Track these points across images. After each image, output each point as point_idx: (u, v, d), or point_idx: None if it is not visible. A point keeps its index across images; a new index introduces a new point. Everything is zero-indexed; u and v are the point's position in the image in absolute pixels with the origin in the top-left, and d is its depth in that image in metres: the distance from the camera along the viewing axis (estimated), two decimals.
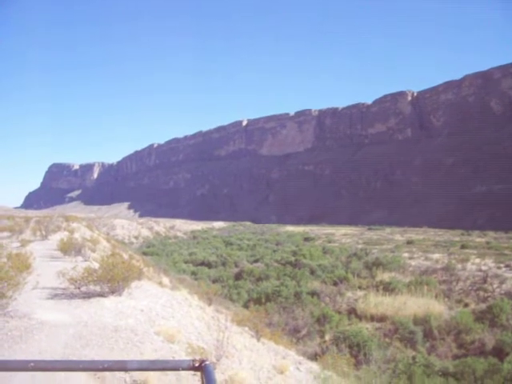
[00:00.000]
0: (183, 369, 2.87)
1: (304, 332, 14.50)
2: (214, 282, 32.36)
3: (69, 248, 23.47)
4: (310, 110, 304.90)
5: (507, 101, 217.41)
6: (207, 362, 2.77)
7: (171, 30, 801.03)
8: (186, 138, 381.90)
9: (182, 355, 8.70)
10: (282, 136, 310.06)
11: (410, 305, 17.91)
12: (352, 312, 18.05)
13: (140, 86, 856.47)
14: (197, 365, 2.76)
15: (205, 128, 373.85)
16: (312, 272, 31.34)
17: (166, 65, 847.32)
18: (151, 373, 7.26)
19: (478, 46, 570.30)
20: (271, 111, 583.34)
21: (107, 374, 7.26)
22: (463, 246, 64.92)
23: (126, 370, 3.43)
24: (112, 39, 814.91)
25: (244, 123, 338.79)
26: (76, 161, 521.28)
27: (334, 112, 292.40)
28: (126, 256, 21.40)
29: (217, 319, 12.19)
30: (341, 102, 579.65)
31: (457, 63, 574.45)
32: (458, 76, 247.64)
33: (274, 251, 61.57)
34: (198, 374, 2.80)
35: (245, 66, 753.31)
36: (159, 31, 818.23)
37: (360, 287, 23.88)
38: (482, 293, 23.41)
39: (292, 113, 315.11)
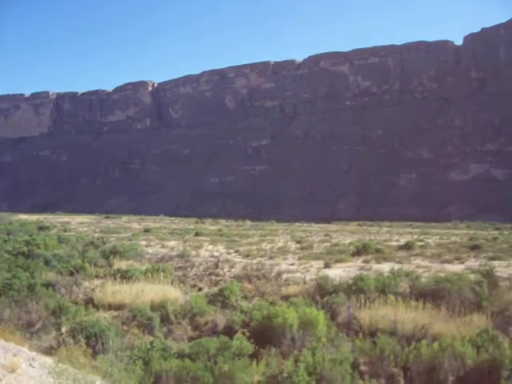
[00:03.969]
0: None
1: (39, 326, 13.79)
2: None
3: None
4: (47, 92, 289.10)
5: (240, 98, 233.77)
6: None
7: None
8: None
9: None
10: (15, 118, 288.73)
11: (148, 292, 18.19)
12: (89, 302, 17.69)
13: None
14: None
15: None
16: (47, 262, 29.90)
17: None
18: None
19: (215, 46, 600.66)
20: (4, 90, 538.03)
21: None
22: (197, 234, 67.98)
23: None
24: None
25: None
26: None
27: (73, 96, 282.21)
28: None
29: None
30: (81, 87, 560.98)
31: (196, 59, 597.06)
32: (197, 71, 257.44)
33: (5, 241, 57.22)
34: None
35: None
36: None
37: (97, 276, 23.52)
38: (214, 277, 24.81)
39: (27, 94, 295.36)
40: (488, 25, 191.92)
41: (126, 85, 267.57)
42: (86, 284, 21.32)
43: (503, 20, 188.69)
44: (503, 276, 23.55)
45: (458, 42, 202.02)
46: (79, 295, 18.92)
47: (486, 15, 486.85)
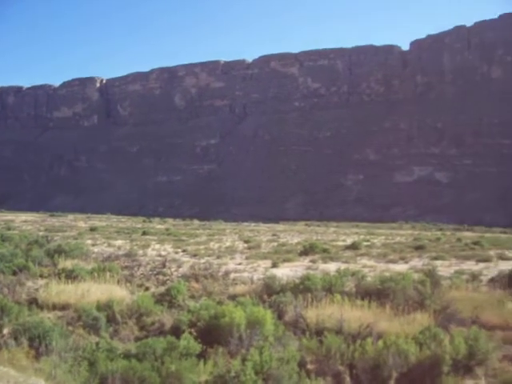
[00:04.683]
0: None
1: None
2: None
3: None
4: None
5: (189, 97, 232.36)
6: None
7: None
8: None
9: None
10: None
11: (94, 291, 17.87)
12: (33, 302, 17.26)
13: None
14: None
15: None
16: None
17: None
18: None
19: (165, 44, 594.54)
20: None
21: None
22: (145, 233, 67.36)
23: None
24: None
25: None
26: None
27: (18, 91, 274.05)
28: None
29: None
30: (26, 81, 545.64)
31: (147, 57, 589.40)
32: (147, 69, 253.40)
33: None
34: None
35: None
36: None
37: (42, 276, 22.97)
38: (161, 276, 24.56)
39: None
40: (433, 32, 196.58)
41: (74, 80, 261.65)
42: (30, 284, 20.81)
43: (448, 27, 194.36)
44: (445, 275, 24.25)
45: (405, 47, 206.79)
46: (22, 295, 18.43)
47: (432, 22, 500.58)
